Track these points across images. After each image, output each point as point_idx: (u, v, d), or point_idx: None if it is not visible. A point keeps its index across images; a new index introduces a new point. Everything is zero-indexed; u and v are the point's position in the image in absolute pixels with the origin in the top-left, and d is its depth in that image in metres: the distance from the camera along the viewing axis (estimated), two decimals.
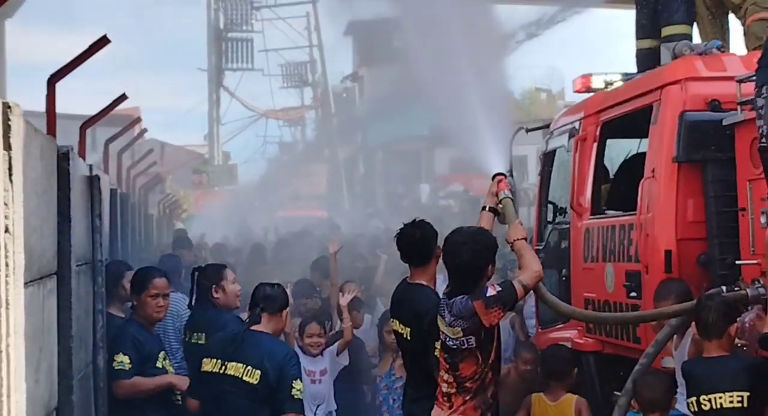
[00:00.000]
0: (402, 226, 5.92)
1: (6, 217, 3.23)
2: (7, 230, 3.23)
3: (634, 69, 7.77)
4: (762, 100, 5.01)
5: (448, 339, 5.35)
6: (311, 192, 42.33)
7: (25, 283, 3.51)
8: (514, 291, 5.29)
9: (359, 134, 44.22)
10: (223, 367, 5.83)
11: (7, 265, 3.20)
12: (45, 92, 5.77)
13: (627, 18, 8.93)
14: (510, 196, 6.09)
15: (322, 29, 48.56)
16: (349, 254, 15.03)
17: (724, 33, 7.46)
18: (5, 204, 3.23)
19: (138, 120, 11.79)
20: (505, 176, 6.21)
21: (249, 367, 5.76)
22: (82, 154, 6.94)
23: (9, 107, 3.30)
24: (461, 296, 5.30)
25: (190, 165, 39.30)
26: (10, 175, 3.30)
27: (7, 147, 3.28)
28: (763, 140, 5.00)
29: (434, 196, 33.93)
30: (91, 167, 6.39)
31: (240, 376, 5.77)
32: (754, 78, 5.45)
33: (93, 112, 7.84)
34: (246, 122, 49.05)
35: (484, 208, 6.06)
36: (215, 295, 7.16)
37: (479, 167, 6.52)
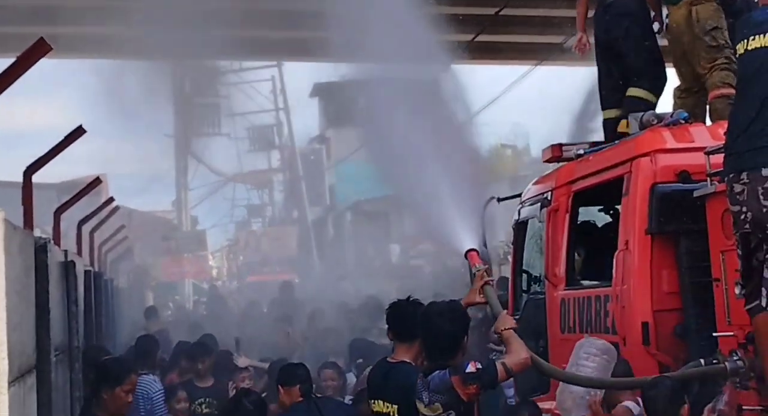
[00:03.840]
0: (395, 300, 5.92)
1: None
2: None
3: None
4: (740, 186, 5.08)
5: None
6: (281, 255, 42.16)
7: (8, 384, 3.48)
8: (495, 372, 5.30)
9: (328, 196, 44.25)
10: None
11: None
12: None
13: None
14: (482, 268, 6.21)
15: (288, 92, 48.68)
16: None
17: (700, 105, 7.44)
18: None
19: (111, 200, 11.81)
20: (477, 251, 6.34)
21: None
22: (57, 240, 6.93)
23: None
24: (439, 371, 5.33)
25: (159, 232, 39.08)
26: None
27: None
28: (747, 225, 5.06)
29: (405, 256, 33.87)
30: (66, 252, 6.38)
31: None
32: (721, 149, 5.52)
33: (56, 179, 7.90)
34: (213, 186, 48.93)
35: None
36: (104, 396, 5.92)
37: (450, 244, 6.60)
